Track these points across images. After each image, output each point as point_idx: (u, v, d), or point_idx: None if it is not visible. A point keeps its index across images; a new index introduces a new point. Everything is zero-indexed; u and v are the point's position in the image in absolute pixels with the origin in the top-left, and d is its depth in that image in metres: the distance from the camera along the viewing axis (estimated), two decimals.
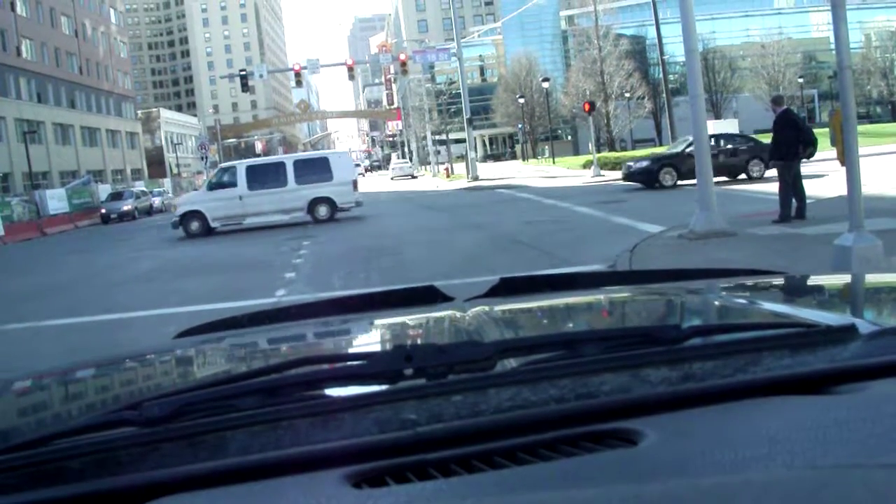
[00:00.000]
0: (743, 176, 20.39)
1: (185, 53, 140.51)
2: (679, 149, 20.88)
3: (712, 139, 22.06)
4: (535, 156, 64.04)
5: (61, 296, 11.06)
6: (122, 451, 0.84)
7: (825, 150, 11.12)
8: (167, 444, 0.85)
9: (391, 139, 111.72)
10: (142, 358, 1.64)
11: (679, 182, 19.81)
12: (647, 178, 20.45)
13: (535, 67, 70.74)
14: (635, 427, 0.81)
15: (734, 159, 20.49)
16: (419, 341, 1.52)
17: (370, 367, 0.96)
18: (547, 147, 57.13)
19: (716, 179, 19.61)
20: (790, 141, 10.38)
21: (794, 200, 10.37)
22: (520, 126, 66.54)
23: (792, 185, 10.35)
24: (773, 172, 18.78)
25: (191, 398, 0.91)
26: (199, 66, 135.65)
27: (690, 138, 22.69)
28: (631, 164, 22.20)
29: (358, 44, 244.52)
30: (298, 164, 19.86)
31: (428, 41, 62.39)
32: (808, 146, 10.47)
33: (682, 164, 19.30)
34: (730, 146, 20.90)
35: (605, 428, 0.82)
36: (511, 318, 1.67)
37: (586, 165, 32.93)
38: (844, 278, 2.25)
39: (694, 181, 19.48)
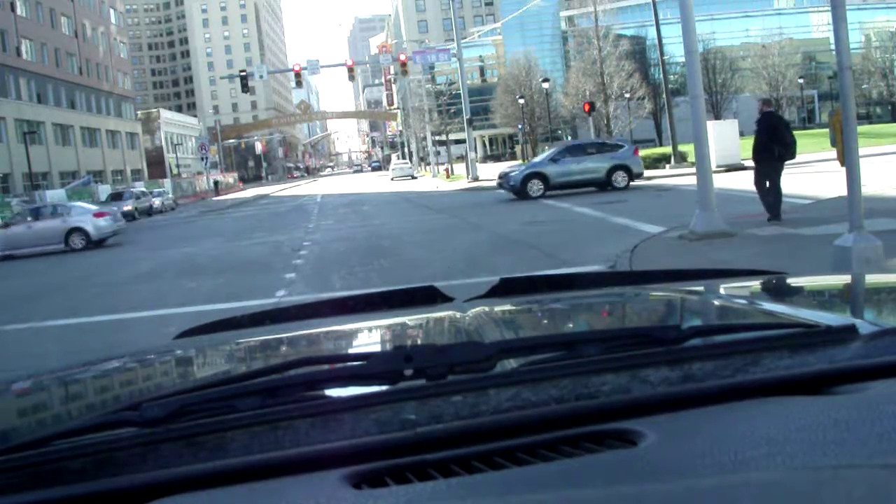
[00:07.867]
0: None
1: (185, 54, 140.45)
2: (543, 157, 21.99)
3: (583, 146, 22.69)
4: (535, 156, 63.86)
5: (61, 296, 11.06)
6: (122, 451, 0.84)
7: (826, 151, 11.13)
8: (167, 444, 0.84)
9: (391, 140, 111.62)
10: (142, 358, 1.63)
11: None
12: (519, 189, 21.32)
13: (535, 68, 70.64)
14: (635, 427, 0.80)
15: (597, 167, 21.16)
16: (419, 342, 1.51)
17: (370, 368, 0.96)
18: (547, 147, 57.07)
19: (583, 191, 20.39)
20: (768, 143, 10.40)
21: (771, 200, 10.46)
22: (520, 126, 66.49)
23: (771, 187, 10.40)
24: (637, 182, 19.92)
25: (191, 399, 0.91)
26: (199, 67, 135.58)
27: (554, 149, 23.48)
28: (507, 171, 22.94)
29: (358, 44, 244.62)
30: None
31: (428, 42, 62.39)
32: (785, 148, 10.40)
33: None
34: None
35: (605, 428, 0.82)
36: (511, 318, 1.67)
37: None
38: (844, 278, 2.24)
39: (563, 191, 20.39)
